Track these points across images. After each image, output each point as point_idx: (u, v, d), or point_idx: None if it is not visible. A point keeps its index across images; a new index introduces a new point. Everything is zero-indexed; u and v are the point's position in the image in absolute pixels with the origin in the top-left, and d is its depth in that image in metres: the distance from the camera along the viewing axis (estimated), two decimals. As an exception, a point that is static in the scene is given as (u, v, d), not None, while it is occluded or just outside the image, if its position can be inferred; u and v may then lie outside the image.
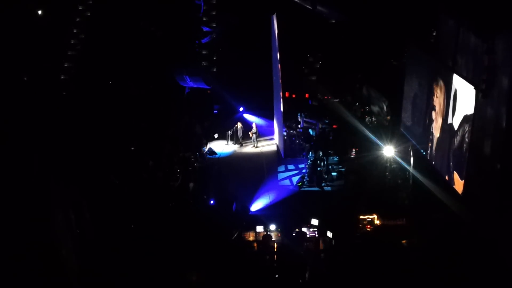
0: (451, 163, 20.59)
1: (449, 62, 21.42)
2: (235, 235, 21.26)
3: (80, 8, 36.76)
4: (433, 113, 22.55)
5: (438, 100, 21.98)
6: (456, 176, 19.90)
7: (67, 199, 22.30)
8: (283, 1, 32.23)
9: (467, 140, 18.98)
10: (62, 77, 35.09)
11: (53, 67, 34.52)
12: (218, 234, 20.57)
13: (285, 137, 30.14)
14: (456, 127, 19.89)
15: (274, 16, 28.72)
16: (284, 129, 30.11)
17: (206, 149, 30.26)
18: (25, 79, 30.86)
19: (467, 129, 18.98)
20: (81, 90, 33.57)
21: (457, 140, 19.91)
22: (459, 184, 19.63)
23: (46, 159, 25.00)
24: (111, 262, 18.09)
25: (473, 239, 18.27)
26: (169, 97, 33.90)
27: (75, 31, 36.35)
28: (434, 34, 24.00)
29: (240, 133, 31.40)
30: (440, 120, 21.79)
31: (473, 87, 18.42)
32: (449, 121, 20.58)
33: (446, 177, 20.93)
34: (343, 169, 26.74)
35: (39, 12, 35.19)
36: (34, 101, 29.60)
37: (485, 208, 18.40)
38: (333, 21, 32.42)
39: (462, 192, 19.32)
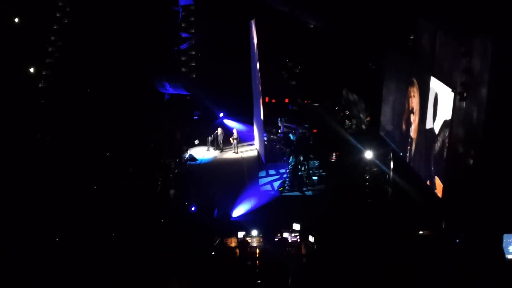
0: (432, 168, 20.70)
1: (427, 65, 21.54)
2: (217, 241, 21.21)
3: (57, 15, 36.56)
4: (412, 117, 22.68)
5: (416, 104, 22.12)
6: (437, 181, 20.01)
7: (47, 207, 22.25)
8: (261, 7, 32.31)
9: (447, 145, 19.11)
10: (40, 85, 34.86)
11: (31, 75, 34.32)
12: (200, 241, 20.50)
13: (266, 142, 30.14)
14: (436, 131, 20.02)
15: (253, 22, 28.77)
16: (265, 134, 30.11)
17: (187, 155, 30.17)
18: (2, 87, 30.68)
19: (446, 134, 19.12)
20: (60, 98, 33.39)
21: (437, 145, 20.03)
22: (440, 189, 19.74)
23: (25, 167, 24.95)
24: (92, 270, 17.95)
25: (452, 243, 18.47)
26: (149, 103, 33.78)
27: (52, 38, 36.14)
28: (412, 37, 24.12)
29: (220, 139, 31.36)
30: (418, 124, 21.93)
31: (450, 89, 18.57)
32: (429, 125, 20.69)
33: (428, 182, 21.03)
34: (324, 174, 26.82)
35: (16, 20, 34.97)
36: (12, 109, 29.48)
37: (463, 212, 18.54)
38: (312, 26, 32.52)
39: (442, 196, 19.43)
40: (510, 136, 17.33)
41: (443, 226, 19.64)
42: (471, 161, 18.25)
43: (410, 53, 23.62)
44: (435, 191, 20.14)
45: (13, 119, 28.89)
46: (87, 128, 29.57)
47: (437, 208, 19.90)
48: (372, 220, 21.08)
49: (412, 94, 22.49)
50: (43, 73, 35.31)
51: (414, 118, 22.35)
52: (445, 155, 19.28)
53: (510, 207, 17.29)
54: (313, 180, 26.33)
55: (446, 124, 19.12)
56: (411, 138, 22.76)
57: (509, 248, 16.99)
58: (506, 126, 17.31)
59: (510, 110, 17.24)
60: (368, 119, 29.28)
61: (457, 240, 18.52)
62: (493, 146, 17.55)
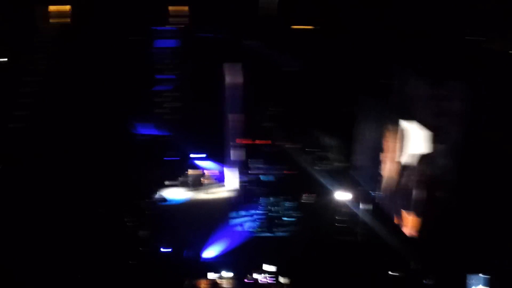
0: (401, 203, 20.85)
1: (401, 107, 21.85)
2: (186, 283, 20.94)
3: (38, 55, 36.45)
4: (384, 155, 22.92)
5: (389, 142, 22.39)
6: (406, 215, 20.13)
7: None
8: (236, 49, 32.64)
9: (417, 179, 19.35)
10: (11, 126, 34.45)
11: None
12: (169, 282, 20.25)
13: (238, 183, 30.03)
14: (407, 170, 20.24)
15: (228, 64, 29.02)
16: (237, 175, 30.03)
17: (158, 196, 29.93)
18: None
19: (417, 169, 19.37)
20: (36, 141, 32.98)
21: (407, 179, 20.23)
22: (410, 224, 19.84)
23: None
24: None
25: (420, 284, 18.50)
26: (120, 144, 33.55)
27: (30, 79, 35.87)
28: (385, 81, 24.44)
29: (192, 179, 31.18)
30: (391, 161, 22.15)
31: (423, 131, 18.88)
32: (401, 164, 20.95)
33: (396, 218, 21.14)
34: (296, 215, 26.72)
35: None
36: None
37: (430, 252, 18.62)
38: (287, 69, 32.84)
39: (410, 236, 19.55)
40: (480, 177, 17.54)
41: (412, 267, 19.65)
42: (440, 200, 18.40)
43: (384, 96, 23.91)
44: (404, 229, 20.26)
45: None
46: (55, 169, 29.19)
47: (406, 249, 19.95)
48: (344, 260, 21.03)
49: (386, 134, 22.75)
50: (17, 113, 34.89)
51: (388, 157, 22.56)
52: (413, 189, 19.49)
53: (473, 246, 17.41)
54: (285, 221, 26.24)
55: (417, 163, 19.37)
56: (384, 177, 22.93)
57: (472, 288, 17.08)
58: (477, 168, 17.54)
59: (481, 152, 17.50)
60: (340, 161, 29.38)
61: (425, 281, 18.53)
62: (463, 186, 17.74)
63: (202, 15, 34.85)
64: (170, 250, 23.68)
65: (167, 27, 35.94)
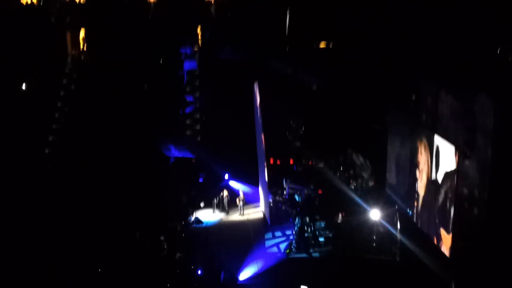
0: (437, 220, 20.73)
1: (431, 123, 21.75)
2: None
3: (64, 82, 37.20)
4: (417, 172, 22.85)
5: (421, 159, 22.35)
6: (443, 232, 19.99)
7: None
8: (264, 69, 32.88)
9: (450, 196, 19.25)
10: (46, 151, 35.08)
11: (37, 140, 34.62)
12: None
13: (271, 204, 30.05)
14: (439, 183, 20.17)
15: (256, 84, 29.21)
16: (270, 196, 30.07)
17: (193, 218, 30.08)
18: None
19: (449, 185, 19.27)
20: (65, 163, 33.53)
21: (441, 196, 20.14)
22: (446, 242, 19.69)
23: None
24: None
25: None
26: (154, 167, 33.88)
27: (59, 105, 36.59)
28: (414, 97, 24.35)
29: (226, 201, 31.30)
30: (424, 178, 22.07)
31: (454, 147, 18.77)
32: (433, 177, 20.89)
33: (434, 237, 20.97)
34: (330, 235, 26.61)
35: (23, 86, 35.60)
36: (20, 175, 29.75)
37: (471, 268, 18.36)
38: (314, 88, 32.96)
39: (450, 253, 19.34)
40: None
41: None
42: (475, 218, 18.19)
43: (414, 112, 23.83)
44: (441, 245, 20.10)
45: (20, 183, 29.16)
46: (94, 193, 29.60)
47: (446, 270, 19.73)
48: (380, 281, 20.88)
49: (416, 150, 22.70)
50: (50, 139, 35.59)
51: (421, 174, 22.46)
52: (448, 206, 19.39)
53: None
54: (319, 241, 26.14)
55: (449, 175, 19.30)
56: (418, 193, 22.83)
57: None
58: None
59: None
60: (373, 180, 29.28)
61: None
62: (499, 203, 17.48)
63: (223, 37, 35.51)
64: (206, 272, 23.70)
65: (190, 48, 36.68)
